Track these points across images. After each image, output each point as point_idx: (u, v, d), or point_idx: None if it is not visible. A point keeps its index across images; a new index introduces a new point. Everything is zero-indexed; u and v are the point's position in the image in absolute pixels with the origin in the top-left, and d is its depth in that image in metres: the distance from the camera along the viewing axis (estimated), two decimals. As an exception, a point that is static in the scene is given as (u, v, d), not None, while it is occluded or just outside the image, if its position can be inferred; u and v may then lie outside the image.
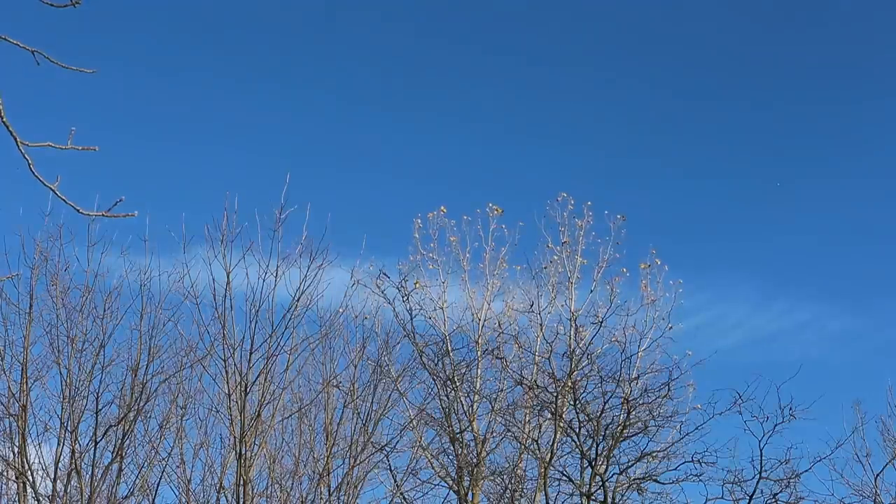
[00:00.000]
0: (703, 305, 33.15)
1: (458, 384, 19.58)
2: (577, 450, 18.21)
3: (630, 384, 18.20)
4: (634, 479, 18.05)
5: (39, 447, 17.89)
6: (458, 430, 19.53)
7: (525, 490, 19.71)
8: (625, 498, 18.04)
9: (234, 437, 18.00)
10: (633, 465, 18.10)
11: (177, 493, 18.66)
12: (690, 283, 30.68)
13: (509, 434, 19.73)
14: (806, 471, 17.84)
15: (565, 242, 21.02)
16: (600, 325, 19.00)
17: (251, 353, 18.27)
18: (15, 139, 6.12)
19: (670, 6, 42.12)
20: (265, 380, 18.38)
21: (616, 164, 39.48)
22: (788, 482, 17.62)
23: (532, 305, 20.33)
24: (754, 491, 17.47)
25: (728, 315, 34.44)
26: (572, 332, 19.50)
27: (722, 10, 42.19)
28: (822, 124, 40.88)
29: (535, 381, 19.42)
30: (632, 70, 41.67)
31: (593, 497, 17.64)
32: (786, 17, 41.36)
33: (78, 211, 6.42)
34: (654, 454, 18.25)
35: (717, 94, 41.40)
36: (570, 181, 44.31)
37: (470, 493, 19.20)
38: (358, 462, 19.04)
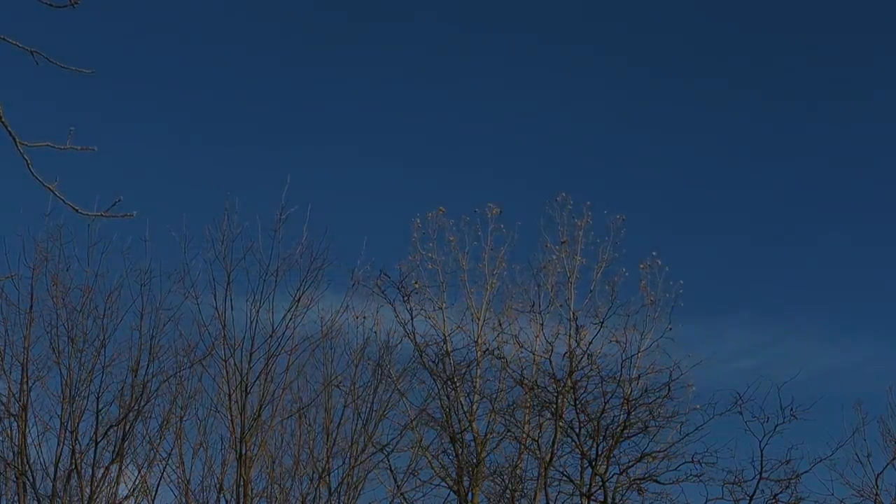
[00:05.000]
0: (770, 342, 33.05)
1: (458, 384, 19.56)
2: (577, 450, 18.19)
3: (630, 384, 18.18)
4: (635, 480, 18.03)
5: (39, 447, 17.90)
6: (458, 430, 19.51)
7: (525, 490, 19.70)
8: (625, 498, 18.04)
9: (234, 437, 18.01)
10: (633, 465, 18.09)
11: (176, 494, 18.67)
12: (756, 323, 30.68)
13: (509, 434, 19.70)
14: (806, 471, 17.85)
15: (564, 242, 20.98)
16: (601, 326, 18.98)
17: (251, 353, 18.30)
18: (14, 139, 6.11)
19: (672, 6, 42.12)
20: (265, 380, 18.40)
21: (616, 165, 39.49)
22: (789, 483, 17.62)
23: (533, 305, 20.31)
24: (755, 491, 17.48)
25: (794, 351, 34.25)
26: (572, 332, 19.45)
27: (730, 12, 42.11)
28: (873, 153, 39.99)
29: (535, 381, 19.38)
30: (633, 69, 41.66)
31: (593, 497, 17.63)
32: (801, 18, 41.04)
33: (76, 211, 6.43)
34: (654, 454, 18.23)
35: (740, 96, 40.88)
36: (568, 181, 44.26)
37: (470, 493, 19.19)
38: (358, 462, 19.03)
